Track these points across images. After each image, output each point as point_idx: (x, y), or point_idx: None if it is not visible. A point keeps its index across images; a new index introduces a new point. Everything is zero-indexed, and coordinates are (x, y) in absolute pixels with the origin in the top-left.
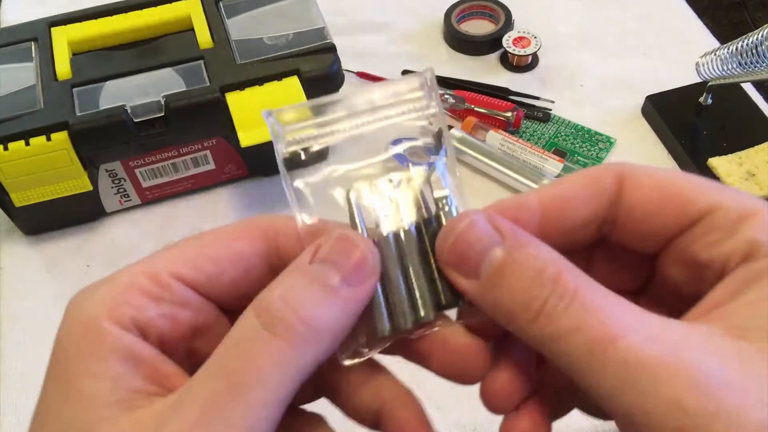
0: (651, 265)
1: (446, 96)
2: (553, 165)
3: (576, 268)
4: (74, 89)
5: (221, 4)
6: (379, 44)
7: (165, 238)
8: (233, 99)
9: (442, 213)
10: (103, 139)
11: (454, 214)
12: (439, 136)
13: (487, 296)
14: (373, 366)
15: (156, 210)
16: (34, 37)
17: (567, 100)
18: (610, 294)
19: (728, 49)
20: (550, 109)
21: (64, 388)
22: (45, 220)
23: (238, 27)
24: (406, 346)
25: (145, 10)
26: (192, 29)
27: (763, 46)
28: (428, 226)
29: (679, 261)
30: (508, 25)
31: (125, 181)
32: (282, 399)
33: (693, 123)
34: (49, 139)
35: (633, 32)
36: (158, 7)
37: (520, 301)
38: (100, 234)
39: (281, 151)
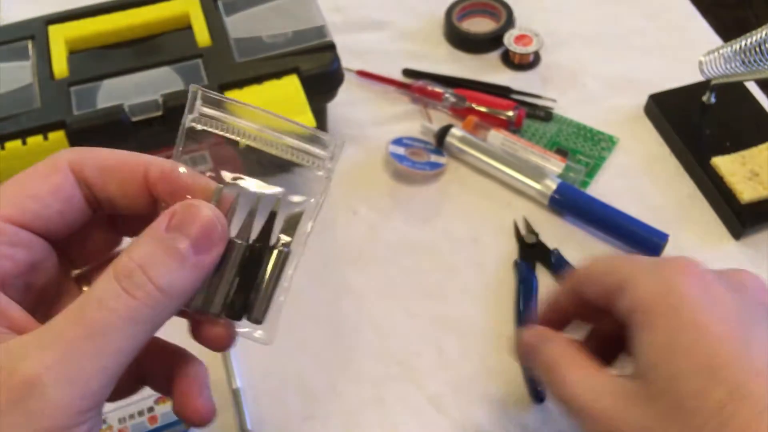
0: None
1: (447, 95)
2: (555, 164)
3: (573, 352)
4: (71, 88)
5: (220, 2)
6: (380, 42)
7: None
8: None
9: (274, 252)
10: (100, 139)
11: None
12: (296, 220)
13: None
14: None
15: None
16: (31, 35)
17: (569, 98)
18: (578, 366)
19: (732, 47)
20: (552, 108)
21: None
22: None
23: (237, 25)
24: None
25: (142, 8)
26: (190, 27)
27: (767, 45)
28: (260, 252)
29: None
30: (510, 23)
31: None
32: (134, 348)
33: (696, 122)
34: (46, 138)
35: (636, 30)
36: (156, 5)
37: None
38: None
39: (188, 121)
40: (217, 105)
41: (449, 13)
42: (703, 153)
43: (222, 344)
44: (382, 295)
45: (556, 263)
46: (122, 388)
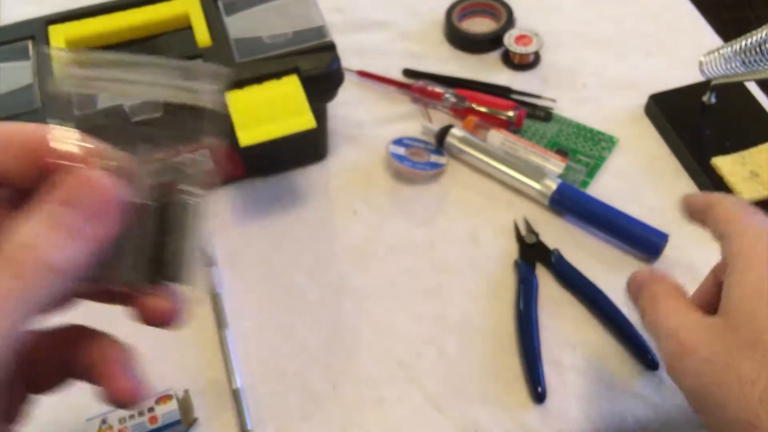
0: None
1: (447, 95)
2: (555, 164)
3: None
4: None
5: (220, 2)
6: (380, 42)
7: None
8: (232, 98)
9: (181, 205)
10: (100, 139)
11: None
12: (199, 167)
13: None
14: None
15: None
16: (31, 35)
17: (569, 98)
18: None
19: (732, 47)
20: (552, 108)
21: None
22: None
23: (237, 25)
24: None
25: (142, 8)
26: (190, 27)
27: (767, 45)
28: (166, 209)
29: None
30: (510, 23)
31: None
32: (18, 327)
33: (696, 122)
34: None
35: (636, 30)
36: (156, 5)
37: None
38: None
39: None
40: (87, 64)
41: (449, 13)
42: (703, 153)
43: (166, 317)
44: (382, 295)
45: (556, 263)
46: (44, 383)
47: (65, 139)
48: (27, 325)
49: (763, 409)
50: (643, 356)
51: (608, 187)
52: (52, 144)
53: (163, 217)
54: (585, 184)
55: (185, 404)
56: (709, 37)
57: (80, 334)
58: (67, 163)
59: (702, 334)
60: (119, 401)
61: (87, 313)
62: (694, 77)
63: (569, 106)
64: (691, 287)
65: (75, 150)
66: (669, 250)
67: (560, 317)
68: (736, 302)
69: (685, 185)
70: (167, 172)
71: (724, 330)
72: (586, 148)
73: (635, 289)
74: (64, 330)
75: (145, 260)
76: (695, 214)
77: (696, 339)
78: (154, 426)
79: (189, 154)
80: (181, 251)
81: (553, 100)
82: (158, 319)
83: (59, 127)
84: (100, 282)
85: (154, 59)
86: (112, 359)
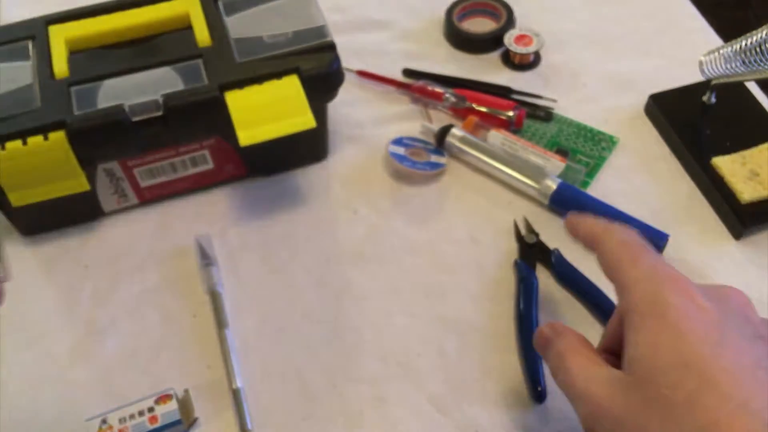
0: None
1: (447, 95)
2: (555, 164)
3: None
4: (72, 88)
5: (220, 2)
6: (380, 42)
7: (163, 238)
8: (232, 98)
9: None
10: (100, 139)
11: None
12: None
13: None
14: None
15: (154, 210)
16: (31, 35)
17: (569, 98)
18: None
19: (732, 47)
20: (553, 108)
21: None
22: (42, 220)
23: (237, 25)
24: None
25: (143, 8)
26: (190, 27)
27: (767, 45)
28: None
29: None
30: (510, 23)
31: (123, 180)
32: None
33: (696, 122)
34: (46, 138)
35: (636, 30)
36: (156, 5)
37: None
38: (98, 234)
39: None
40: None
41: (449, 13)
42: (703, 153)
43: None
44: (382, 295)
45: (556, 263)
46: None
47: None
48: None
49: None
50: None
51: (608, 187)
52: None
53: None
54: (585, 184)
55: (185, 404)
56: (709, 37)
57: None
58: None
59: (612, 391)
60: None
61: None
62: (694, 77)
63: (569, 106)
64: None
65: None
66: (669, 250)
67: (560, 317)
68: (636, 362)
69: (685, 185)
70: None
71: (629, 386)
72: (586, 148)
73: (542, 345)
74: None
75: None
76: (581, 239)
77: (607, 397)
78: (154, 426)
79: None
80: None
81: (554, 100)
82: None
83: None
84: None
85: None
86: None
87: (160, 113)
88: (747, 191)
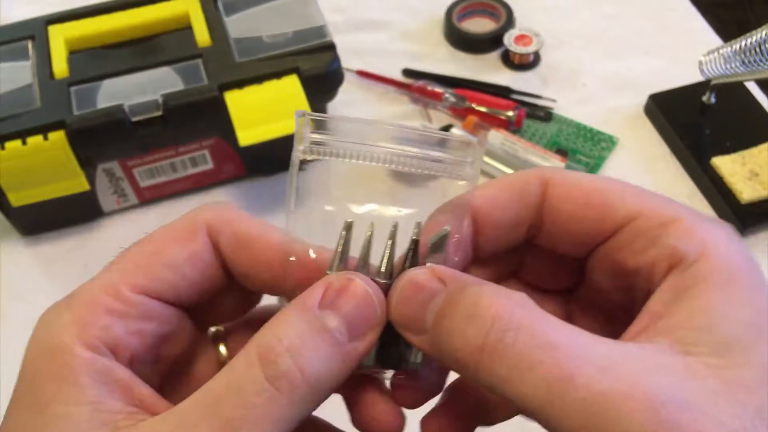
0: (581, 268)
1: (447, 95)
2: (555, 164)
3: (526, 302)
4: (71, 88)
5: (220, 2)
6: (380, 42)
7: None
8: (232, 98)
9: None
10: (100, 139)
11: None
12: (442, 242)
13: (435, 347)
14: None
15: (154, 210)
16: (31, 35)
17: (569, 98)
18: (558, 324)
19: (732, 47)
20: (552, 108)
21: (39, 414)
22: (42, 220)
23: (237, 25)
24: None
25: (142, 8)
26: (190, 27)
27: (767, 45)
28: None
29: (606, 267)
30: (510, 23)
31: (123, 180)
32: None
33: (696, 122)
34: (46, 138)
35: (636, 30)
36: (156, 5)
37: (461, 342)
38: (98, 234)
39: (299, 154)
40: (324, 127)
41: (449, 13)
42: (703, 153)
43: (413, 400)
44: None
45: None
46: None
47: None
48: None
49: None
50: None
51: None
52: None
53: None
54: None
55: None
56: (709, 37)
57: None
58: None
59: (689, 386)
60: None
61: None
62: (694, 77)
63: (569, 106)
64: None
65: (315, 258)
66: None
67: None
68: (731, 334)
69: (685, 185)
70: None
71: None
72: (586, 148)
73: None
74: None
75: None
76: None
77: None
78: None
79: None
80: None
81: (553, 100)
82: (407, 402)
83: (301, 243)
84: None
85: (397, 127)
86: None
87: (159, 113)
88: (747, 191)
